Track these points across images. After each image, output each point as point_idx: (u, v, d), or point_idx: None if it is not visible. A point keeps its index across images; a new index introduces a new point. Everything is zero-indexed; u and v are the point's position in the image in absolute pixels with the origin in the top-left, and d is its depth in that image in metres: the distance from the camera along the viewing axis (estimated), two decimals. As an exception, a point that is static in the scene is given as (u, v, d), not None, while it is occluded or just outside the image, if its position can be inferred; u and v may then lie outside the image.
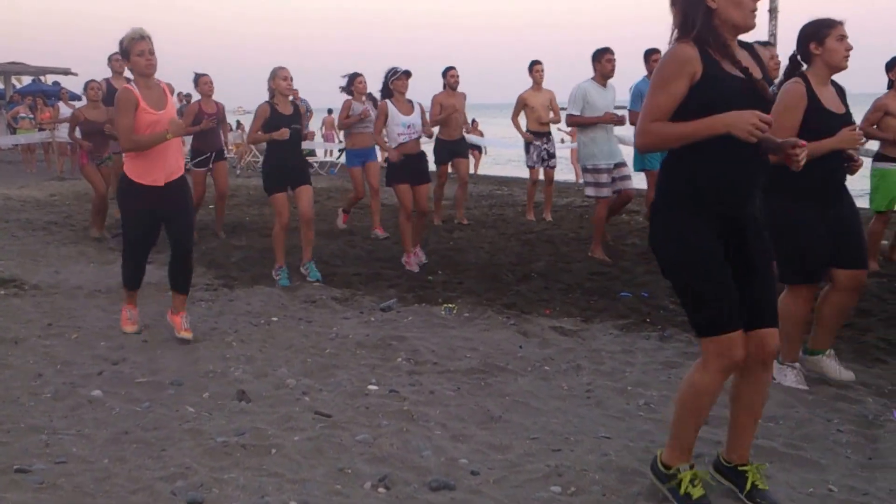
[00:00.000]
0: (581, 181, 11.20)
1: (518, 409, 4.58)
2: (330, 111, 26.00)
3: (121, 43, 5.56)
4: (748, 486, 3.41)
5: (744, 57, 3.21)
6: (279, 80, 7.59)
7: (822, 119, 4.45)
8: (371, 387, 4.91)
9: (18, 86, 31.30)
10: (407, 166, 8.23)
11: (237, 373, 5.11)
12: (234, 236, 10.30)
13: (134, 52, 5.47)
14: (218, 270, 8.23)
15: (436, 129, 10.50)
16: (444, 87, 10.95)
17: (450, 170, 11.69)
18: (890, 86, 7.63)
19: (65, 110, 19.84)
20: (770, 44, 5.06)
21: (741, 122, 2.96)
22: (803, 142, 3.17)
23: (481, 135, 23.43)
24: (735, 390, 3.43)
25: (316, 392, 4.81)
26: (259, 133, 7.65)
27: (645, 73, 9.04)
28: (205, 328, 6.12)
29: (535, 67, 11.14)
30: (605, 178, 8.62)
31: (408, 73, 8.31)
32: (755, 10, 3.16)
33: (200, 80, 9.91)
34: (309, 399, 4.69)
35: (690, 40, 3.13)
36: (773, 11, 10.51)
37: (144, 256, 6.03)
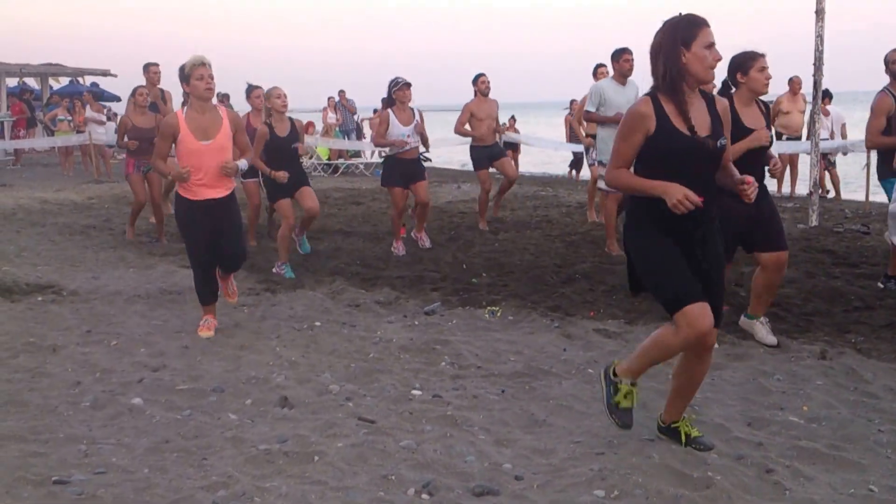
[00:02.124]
0: None
1: (562, 413, 4.63)
2: (375, 111, 26.10)
3: (182, 68, 5.98)
4: (683, 437, 4.13)
5: (700, 111, 3.84)
6: (274, 98, 8.37)
7: (740, 133, 5.36)
8: (415, 392, 4.98)
9: (56, 86, 31.82)
10: (403, 171, 9.35)
11: (279, 379, 5.21)
12: (276, 240, 10.38)
13: (194, 76, 5.90)
14: (260, 275, 8.35)
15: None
16: (476, 94, 11.16)
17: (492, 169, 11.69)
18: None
19: (90, 113, 20.22)
20: (759, 54, 5.45)
21: (672, 194, 3.66)
22: (750, 178, 3.91)
23: (518, 132, 23.39)
24: (680, 367, 4.08)
25: (359, 398, 4.89)
26: (261, 161, 8.29)
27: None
28: (247, 333, 6.24)
29: (599, 70, 11.01)
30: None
31: (408, 84, 9.26)
32: (714, 66, 3.78)
33: (252, 94, 9.95)
34: (352, 405, 4.77)
35: (649, 97, 3.81)
36: (819, 13, 10.53)
37: (210, 268, 6.34)
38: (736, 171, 4.02)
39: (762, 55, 5.47)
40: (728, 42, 5.51)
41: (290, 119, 8.53)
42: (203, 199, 6.07)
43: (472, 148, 11.39)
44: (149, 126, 10.04)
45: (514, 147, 22.83)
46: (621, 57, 9.11)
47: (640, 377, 4.12)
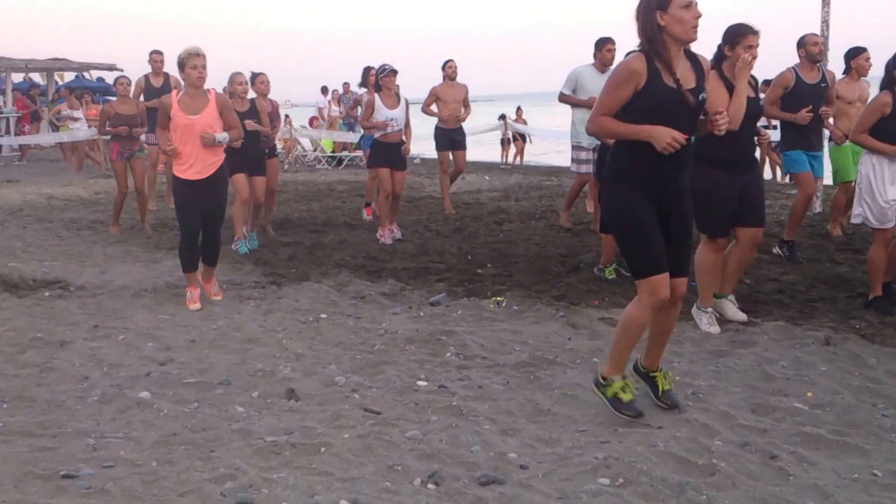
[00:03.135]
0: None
1: (567, 402, 4.64)
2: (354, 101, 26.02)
3: (179, 57, 6.72)
4: (660, 389, 4.44)
5: (685, 68, 4.00)
6: (235, 84, 9.19)
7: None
8: (420, 382, 5.00)
9: (61, 82, 31.76)
10: (388, 153, 9.70)
11: (286, 371, 5.22)
12: (281, 232, 10.45)
13: (189, 65, 6.65)
14: (266, 268, 8.37)
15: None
16: (444, 78, 11.68)
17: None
18: (846, 72, 8.77)
19: (66, 111, 20.31)
20: (753, 31, 5.53)
21: (660, 137, 3.83)
22: (723, 108, 4.16)
23: (525, 123, 23.36)
24: (653, 320, 4.28)
25: (365, 389, 4.91)
26: None
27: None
28: (253, 326, 6.25)
29: (606, 46, 11.15)
30: (584, 155, 9.63)
31: (395, 71, 9.69)
32: (696, 25, 3.89)
33: (256, 80, 10.01)
34: (358, 396, 4.78)
35: (642, 53, 3.94)
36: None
37: (196, 240, 7.04)
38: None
39: (753, 33, 5.49)
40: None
41: (252, 102, 9.31)
42: (192, 178, 6.79)
43: (435, 128, 11.87)
44: (130, 113, 10.47)
45: (522, 137, 22.85)
46: (604, 46, 9.52)
47: (623, 368, 4.36)
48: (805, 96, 7.87)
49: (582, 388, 4.83)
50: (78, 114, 20.31)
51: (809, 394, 4.64)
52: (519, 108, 24.07)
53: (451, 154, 12.00)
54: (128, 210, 11.26)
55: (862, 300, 6.43)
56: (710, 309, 5.98)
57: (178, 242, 8.67)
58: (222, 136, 6.84)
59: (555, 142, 23.15)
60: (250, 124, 8.99)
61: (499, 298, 6.90)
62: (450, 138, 11.82)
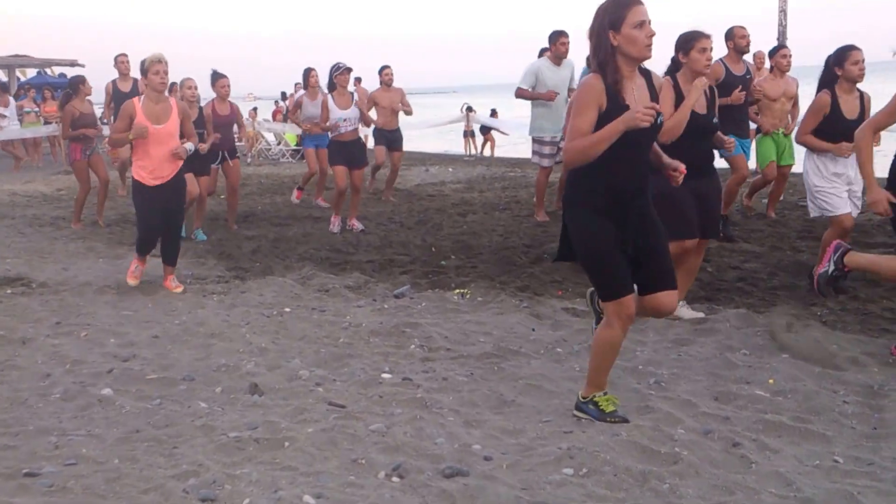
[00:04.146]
0: None
1: (531, 393, 4.61)
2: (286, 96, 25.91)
3: (142, 63, 6.98)
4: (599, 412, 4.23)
5: (639, 87, 3.93)
6: (185, 89, 9.35)
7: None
8: (385, 375, 4.94)
9: (23, 79, 31.25)
10: (345, 152, 9.73)
11: (249, 366, 5.14)
12: (245, 226, 10.34)
13: (151, 70, 6.85)
14: (229, 262, 8.27)
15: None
16: (381, 84, 12.04)
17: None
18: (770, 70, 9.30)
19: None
20: (705, 35, 5.56)
21: (630, 118, 3.69)
22: (683, 167, 4.12)
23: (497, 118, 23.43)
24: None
25: (329, 382, 4.84)
26: None
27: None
28: (216, 321, 6.15)
29: (560, 39, 11.27)
30: (547, 149, 9.79)
31: (349, 69, 9.79)
32: (649, 44, 3.80)
33: (218, 83, 10.04)
34: (322, 390, 4.72)
35: (599, 73, 3.84)
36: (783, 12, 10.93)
37: (157, 234, 7.23)
38: (662, 153, 4.24)
39: (706, 36, 5.51)
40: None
41: (199, 107, 9.44)
42: (154, 183, 6.94)
43: (375, 129, 12.13)
44: (90, 112, 10.61)
45: (490, 130, 22.88)
46: (558, 40, 9.64)
47: (603, 387, 4.24)
48: (733, 86, 8.13)
49: (546, 379, 4.80)
50: (4, 111, 19.97)
51: (771, 381, 4.65)
52: (494, 111, 24.15)
53: (387, 153, 12.29)
54: (89, 206, 11.09)
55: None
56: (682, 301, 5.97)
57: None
58: (190, 146, 7.16)
59: (517, 134, 23.23)
60: (203, 147, 9.11)
61: (462, 290, 6.86)
62: (387, 138, 12.05)
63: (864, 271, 5.14)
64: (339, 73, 9.68)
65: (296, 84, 22.65)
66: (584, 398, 4.24)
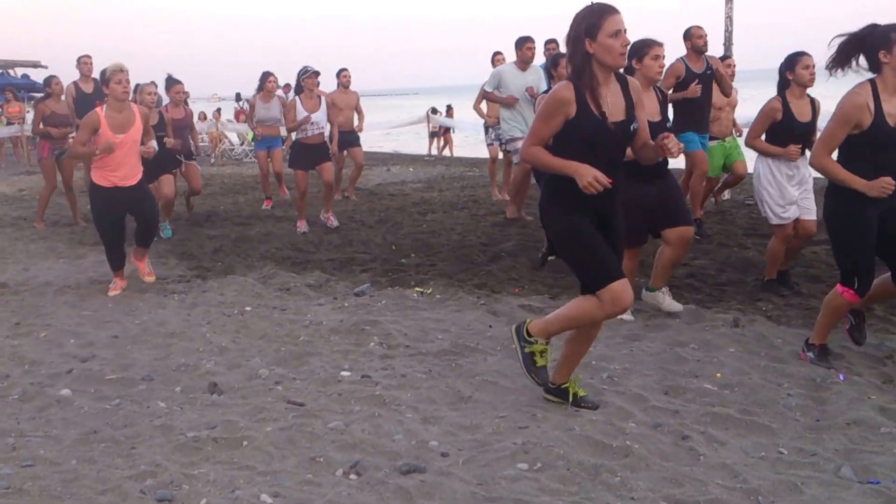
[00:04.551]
0: None
1: (487, 389, 4.60)
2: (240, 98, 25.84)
3: (103, 72, 6.90)
4: (571, 397, 4.27)
5: (614, 93, 3.89)
6: (145, 94, 9.00)
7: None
8: (344, 373, 4.90)
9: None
10: (309, 155, 9.66)
11: (209, 365, 5.07)
12: (207, 226, 10.22)
13: (113, 80, 6.68)
14: (190, 262, 8.17)
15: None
16: (338, 86, 12.02)
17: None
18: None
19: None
20: (658, 43, 5.59)
21: (584, 175, 3.73)
22: (669, 133, 3.94)
23: (452, 118, 23.44)
24: (579, 335, 4.21)
25: (289, 381, 4.79)
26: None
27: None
28: (177, 321, 6.07)
29: (496, 58, 11.53)
30: (520, 145, 9.23)
31: (317, 73, 9.71)
32: (624, 52, 3.78)
33: (172, 89, 9.95)
34: (281, 388, 4.67)
35: (570, 82, 3.82)
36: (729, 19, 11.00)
37: (120, 243, 7.05)
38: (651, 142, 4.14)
39: (659, 44, 5.52)
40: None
41: (160, 113, 9.25)
42: (115, 185, 6.77)
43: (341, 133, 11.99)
44: (63, 113, 10.38)
45: (447, 130, 22.87)
46: (524, 45, 9.61)
47: (551, 337, 4.26)
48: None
49: (502, 375, 4.79)
50: None
51: (718, 375, 4.68)
52: (450, 107, 24.13)
53: (347, 152, 12.24)
54: (51, 206, 10.90)
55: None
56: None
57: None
58: (155, 144, 7.10)
59: (476, 134, 23.26)
60: (170, 142, 9.14)
61: (420, 289, 6.83)
62: (345, 139, 11.93)
63: (823, 333, 4.92)
64: (307, 77, 9.62)
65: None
66: (528, 332, 4.27)
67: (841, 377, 4.59)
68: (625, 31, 3.77)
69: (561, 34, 8.28)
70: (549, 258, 7.33)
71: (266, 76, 11.78)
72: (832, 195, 4.65)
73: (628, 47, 3.83)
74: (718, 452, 3.72)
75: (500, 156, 11.74)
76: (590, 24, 3.74)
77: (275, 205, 12.05)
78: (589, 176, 3.72)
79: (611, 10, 3.76)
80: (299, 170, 9.69)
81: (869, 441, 3.81)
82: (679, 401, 4.35)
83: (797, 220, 6.26)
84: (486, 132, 11.77)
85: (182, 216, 10.60)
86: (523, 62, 9.62)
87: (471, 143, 24.74)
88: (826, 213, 4.72)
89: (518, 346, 4.30)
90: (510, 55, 10.81)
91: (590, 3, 3.82)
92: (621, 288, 3.90)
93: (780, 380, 4.61)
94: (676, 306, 5.94)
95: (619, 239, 4.09)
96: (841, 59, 4.50)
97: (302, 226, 9.76)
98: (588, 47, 3.76)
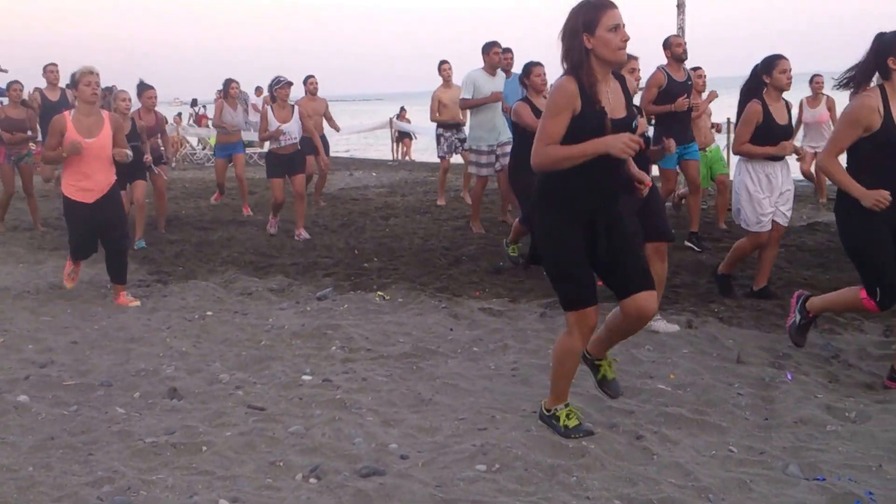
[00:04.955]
0: None
1: (447, 391, 4.61)
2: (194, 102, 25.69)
3: (73, 75, 6.61)
4: (599, 375, 4.14)
5: (613, 90, 3.72)
6: (119, 101, 8.88)
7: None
8: (305, 377, 4.88)
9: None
10: (283, 164, 9.52)
11: (169, 370, 5.03)
12: (168, 230, 10.12)
13: (83, 82, 6.47)
14: (151, 266, 8.08)
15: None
16: (306, 93, 11.86)
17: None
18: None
19: None
20: (632, 57, 5.45)
21: (616, 142, 3.51)
22: (649, 181, 4.08)
23: (409, 122, 23.40)
24: (616, 323, 3.95)
25: (250, 385, 4.76)
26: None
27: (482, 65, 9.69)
28: (137, 326, 6.00)
29: (442, 66, 11.54)
30: (485, 159, 9.47)
31: (290, 83, 9.67)
32: (623, 47, 3.60)
33: (144, 94, 9.88)
34: (242, 393, 4.64)
35: (573, 76, 3.61)
36: (680, 6, 10.99)
37: (88, 254, 6.98)
38: (634, 166, 4.11)
39: (634, 58, 5.47)
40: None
41: (132, 119, 9.05)
42: (86, 202, 6.54)
43: (302, 138, 11.68)
44: (20, 118, 10.18)
45: (409, 136, 22.86)
46: (490, 50, 9.53)
47: (566, 397, 4.02)
48: (677, 93, 8.14)
49: (462, 377, 4.81)
50: None
51: (672, 376, 4.74)
52: (403, 109, 24.10)
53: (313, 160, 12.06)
54: (11, 211, 10.73)
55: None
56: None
57: (61, 243, 8.33)
58: (129, 152, 6.72)
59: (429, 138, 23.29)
60: (147, 159, 9.11)
61: (381, 293, 6.81)
62: (313, 146, 11.79)
63: (823, 311, 4.94)
64: (280, 87, 9.52)
65: (218, 91, 22.28)
66: (547, 410, 4.03)
67: (789, 377, 4.66)
68: (623, 26, 3.59)
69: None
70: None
71: (229, 82, 11.76)
72: (842, 213, 4.57)
73: (627, 42, 3.62)
74: (671, 451, 3.76)
75: (462, 160, 11.74)
76: (588, 19, 3.56)
77: (236, 209, 11.94)
78: (620, 141, 3.49)
79: (609, 4, 3.60)
80: (275, 179, 9.58)
81: (815, 439, 3.88)
82: (634, 401, 4.39)
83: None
84: (439, 142, 11.72)
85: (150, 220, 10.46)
86: (491, 67, 9.56)
87: (433, 148, 24.79)
88: (840, 230, 4.64)
89: (550, 425, 4.01)
90: (457, 65, 10.88)
91: None
92: (589, 313, 3.76)
93: (731, 379, 4.67)
94: (673, 327, 5.64)
95: (627, 242, 3.85)
96: (863, 77, 4.47)
97: (273, 226, 9.73)
98: (586, 42, 3.57)
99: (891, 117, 4.34)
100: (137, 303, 6.70)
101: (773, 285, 6.48)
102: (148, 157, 9.10)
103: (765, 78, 6.00)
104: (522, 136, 7.11)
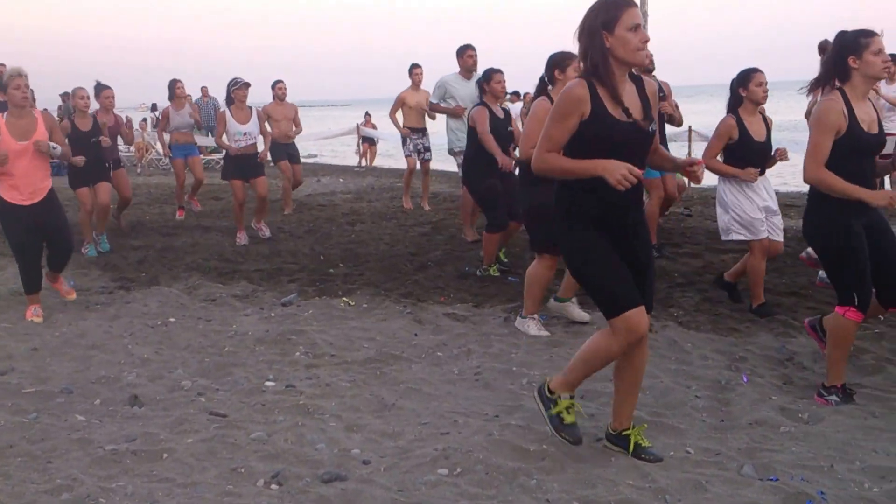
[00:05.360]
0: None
1: (411, 396, 4.60)
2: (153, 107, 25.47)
3: (1, 78, 6.55)
4: (632, 446, 3.76)
5: (629, 93, 3.52)
6: (77, 99, 8.95)
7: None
8: (268, 383, 4.85)
9: None
10: (243, 165, 9.47)
11: (131, 377, 4.97)
12: (132, 236, 10.02)
13: (11, 86, 6.28)
14: (114, 273, 7.99)
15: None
16: (273, 98, 11.68)
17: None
18: None
19: None
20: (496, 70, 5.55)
21: (614, 171, 3.31)
22: (700, 159, 3.67)
23: (375, 128, 23.36)
24: (623, 364, 3.73)
25: (212, 392, 4.72)
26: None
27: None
28: (98, 333, 5.93)
29: (414, 70, 11.42)
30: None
31: (247, 84, 9.60)
32: (642, 48, 3.40)
33: (102, 94, 9.74)
34: (204, 400, 4.60)
35: (584, 78, 3.44)
36: (643, 16, 11.18)
37: (34, 261, 6.48)
38: (669, 154, 3.90)
39: (569, 56, 5.48)
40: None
41: (94, 117, 9.06)
42: (22, 204, 6.30)
43: (272, 143, 11.69)
44: None
45: (371, 142, 22.80)
46: (465, 53, 9.39)
47: (574, 389, 3.83)
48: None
49: (426, 382, 4.81)
50: None
51: (632, 379, 4.76)
52: (367, 114, 24.06)
53: (287, 164, 11.96)
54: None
55: (679, 289, 6.68)
56: (535, 316, 5.82)
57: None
58: (56, 146, 6.47)
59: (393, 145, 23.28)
60: (105, 140, 8.96)
61: (345, 300, 6.78)
62: (286, 152, 11.79)
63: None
64: (238, 88, 9.46)
65: (202, 88, 22.04)
66: (550, 391, 3.82)
67: (745, 379, 4.72)
68: (643, 27, 3.43)
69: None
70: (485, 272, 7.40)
71: (174, 83, 11.61)
72: (815, 214, 4.41)
73: (647, 43, 3.45)
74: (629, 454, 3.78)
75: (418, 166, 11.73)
76: (607, 17, 3.38)
77: (200, 215, 11.88)
78: (620, 169, 3.31)
79: (629, 2, 3.43)
80: (234, 180, 9.53)
81: (770, 440, 3.92)
82: (594, 404, 4.42)
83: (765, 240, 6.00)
84: (404, 143, 11.68)
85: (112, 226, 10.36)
86: (467, 70, 9.48)
87: (400, 153, 24.76)
88: (810, 232, 4.49)
89: (542, 409, 3.83)
90: (429, 69, 10.85)
91: None
92: (637, 316, 3.51)
93: (688, 382, 4.72)
94: (585, 315, 5.95)
95: (647, 251, 3.70)
96: (826, 77, 4.37)
97: (242, 238, 9.50)
98: (605, 41, 3.39)
99: (855, 119, 4.28)
100: (74, 296, 6.82)
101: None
102: (105, 140, 8.93)
103: (741, 91, 5.88)
104: (473, 134, 7.25)
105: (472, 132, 7.33)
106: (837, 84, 4.34)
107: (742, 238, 5.98)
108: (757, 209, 5.92)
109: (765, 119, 6.04)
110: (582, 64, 3.49)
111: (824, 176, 4.26)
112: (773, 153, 5.98)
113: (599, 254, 3.55)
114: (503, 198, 7.27)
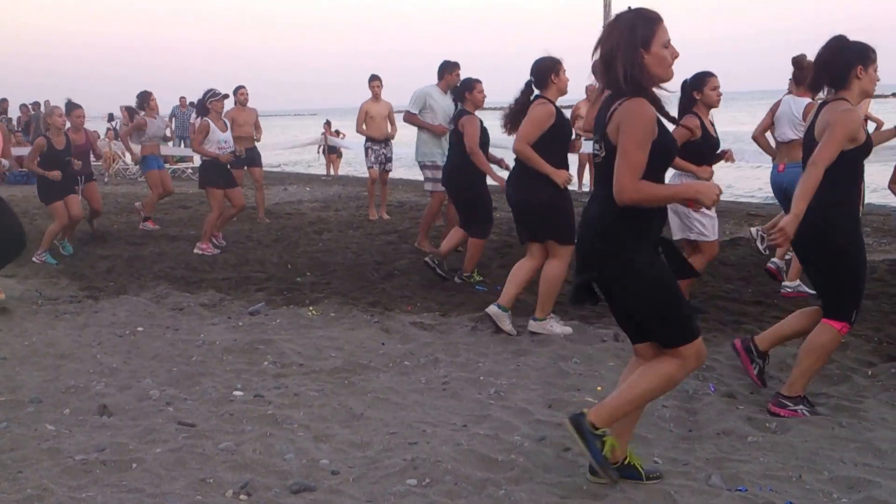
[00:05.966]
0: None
1: (379, 406, 4.58)
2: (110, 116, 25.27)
3: None
4: (642, 472, 3.58)
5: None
6: (55, 117, 9.04)
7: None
8: (236, 392, 4.80)
9: None
10: (223, 174, 9.50)
11: (99, 386, 4.90)
12: (100, 245, 9.89)
13: None
14: (82, 282, 7.87)
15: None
16: (235, 103, 11.66)
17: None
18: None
19: None
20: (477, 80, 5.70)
21: (709, 192, 3.24)
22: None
23: (338, 135, 23.27)
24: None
25: (180, 402, 4.66)
26: (35, 166, 8.83)
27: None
28: (67, 342, 5.84)
29: (373, 83, 11.55)
30: (439, 174, 8.75)
31: (226, 96, 9.78)
32: (672, 63, 3.29)
33: (73, 114, 9.68)
34: (173, 409, 4.54)
35: (643, 98, 3.24)
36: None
37: None
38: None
39: (559, 61, 5.75)
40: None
41: (66, 135, 9.14)
42: None
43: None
44: None
45: (337, 153, 22.71)
46: (454, 71, 9.24)
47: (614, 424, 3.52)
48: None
49: (393, 391, 4.79)
50: None
51: (599, 388, 4.78)
52: (327, 122, 23.95)
53: (246, 169, 11.95)
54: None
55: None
56: (553, 314, 5.93)
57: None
58: (6, 162, 6.62)
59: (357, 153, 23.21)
60: (76, 163, 9.14)
61: (311, 310, 6.73)
62: (248, 156, 11.63)
63: (777, 344, 4.74)
64: (217, 100, 9.51)
65: (181, 98, 21.79)
66: (594, 427, 3.40)
67: (712, 389, 4.75)
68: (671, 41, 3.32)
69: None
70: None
71: (148, 95, 11.57)
72: (831, 224, 4.19)
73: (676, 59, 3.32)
74: (597, 463, 3.79)
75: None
76: (644, 33, 3.22)
77: (167, 223, 11.76)
78: (713, 191, 3.24)
79: (660, 18, 3.28)
80: (215, 189, 9.41)
81: (737, 450, 3.93)
82: (562, 414, 4.38)
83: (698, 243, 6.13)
84: (367, 154, 11.68)
85: (85, 235, 10.24)
86: (448, 86, 9.27)
87: (360, 162, 24.71)
88: (831, 246, 4.23)
89: (587, 448, 3.40)
90: (391, 82, 10.82)
91: (633, 9, 3.31)
92: (701, 344, 3.40)
93: (656, 392, 4.72)
94: (566, 329, 5.90)
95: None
96: (819, 81, 4.31)
97: (209, 248, 9.31)
98: (643, 58, 3.23)
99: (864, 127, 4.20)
100: (3, 296, 6.80)
101: (696, 298, 6.60)
102: (76, 163, 9.08)
103: (695, 94, 5.93)
104: (461, 143, 7.31)
105: (459, 140, 7.35)
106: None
107: (700, 238, 6.14)
108: (713, 212, 6.03)
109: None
110: (623, 84, 3.23)
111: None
112: (718, 151, 6.20)
113: (669, 282, 3.35)
114: (488, 204, 7.53)
